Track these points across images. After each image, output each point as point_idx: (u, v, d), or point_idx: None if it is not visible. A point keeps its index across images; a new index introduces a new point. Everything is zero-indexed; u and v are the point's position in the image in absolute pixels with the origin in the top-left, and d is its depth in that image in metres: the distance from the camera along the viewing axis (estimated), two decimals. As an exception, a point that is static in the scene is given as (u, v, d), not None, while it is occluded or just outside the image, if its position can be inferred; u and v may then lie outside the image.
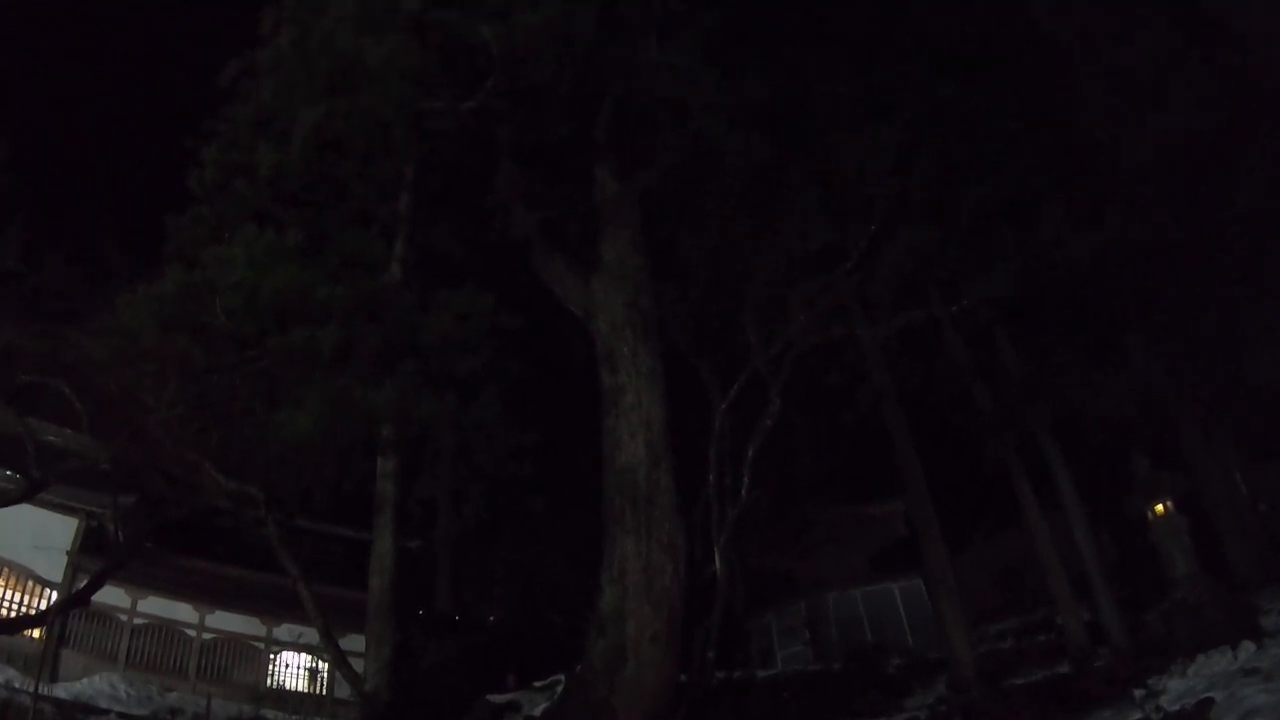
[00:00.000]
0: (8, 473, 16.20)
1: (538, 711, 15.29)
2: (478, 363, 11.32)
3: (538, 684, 17.60)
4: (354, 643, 14.17)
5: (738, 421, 12.80)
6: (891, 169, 13.33)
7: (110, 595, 19.05)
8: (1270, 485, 21.92)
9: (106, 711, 16.06)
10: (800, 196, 13.01)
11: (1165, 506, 17.35)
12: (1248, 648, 12.25)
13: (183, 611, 21.22)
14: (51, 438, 16.86)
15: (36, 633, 18.53)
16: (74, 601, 17.95)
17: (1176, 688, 11.74)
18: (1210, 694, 10.32)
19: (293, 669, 22.41)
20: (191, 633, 21.19)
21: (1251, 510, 21.39)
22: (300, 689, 22.20)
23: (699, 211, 13.74)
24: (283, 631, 21.94)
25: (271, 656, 22.15)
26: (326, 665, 21.41)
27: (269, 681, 21.78)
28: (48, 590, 19.48)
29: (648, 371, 11.40)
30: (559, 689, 15.49)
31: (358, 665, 11.89)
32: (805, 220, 12.83)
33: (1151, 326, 19.78)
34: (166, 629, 20.88)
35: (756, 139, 12.53)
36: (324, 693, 22.03)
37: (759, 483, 12.39)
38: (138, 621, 20.47)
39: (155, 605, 20.79)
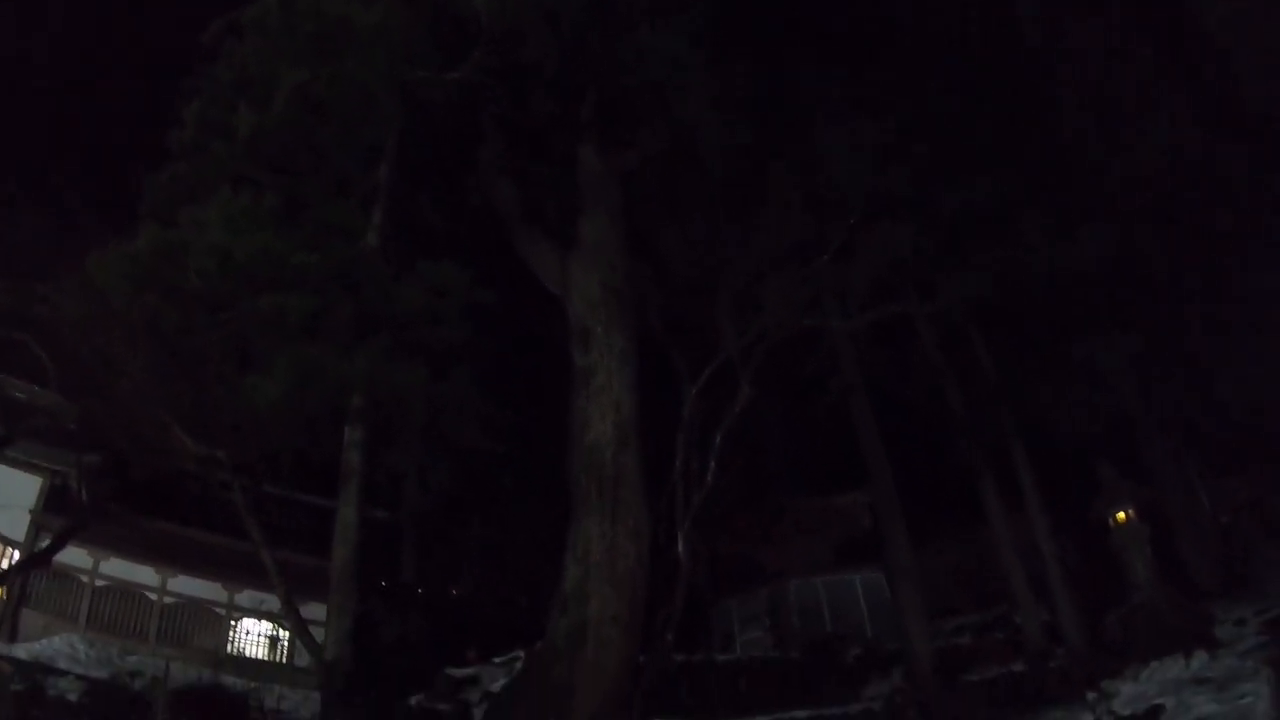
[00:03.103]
0: (-29, 429, 15.96)
1: (496, 686, 15.36)
2: (453, 337, 11.25)
3: (498, 659, 17.64)
4: (316, 611, 14.12)
5: (708, 408, 12.85)
6: (874, 166, 13.38)
7: (72, 556, 18.86)
8: (1231, 499, 22.38)
9: (66, 672, 15.87)
10: (781, 188, 13.05)
11: (1128, 514, 17.68)
12: (1201, 657, 12.49)
13: (145, 574, 21.01)
14: (18, 394, 16.69)
15: (-4, 591, 18.35)
16: (35, 561, 17.78)
17: (1129, 692, 11.99)
18: (1161, 700, 10.56)
19: (253, 636, 22.29)
20: (153, 596, 21.01)
21: (1212, 523, 21.83)
22: (260, 656, 22.09)
23: (679, 199, 13.73)
24: (244, 598, 21.83)
25: (232, 622, 22.02)
26: (287, 633, 21.35)
27: (229, 647, 21.66)
28: (9, 549, 19.26)
29: (620, 352, 11.42)
30: (518, 665, 15.57)
31: (319, 634, 11.84)
32: (785, 212, 12.87)
33: (1123, 340, 20.08)
34: (128, 591, 20.69)
35: (740, 128, 12.55)
36: (284, 660, 21.99)
37: (726, 469, 12.48)
38: (99, 583, 20.27)
39: (117, 567, 20.58)
